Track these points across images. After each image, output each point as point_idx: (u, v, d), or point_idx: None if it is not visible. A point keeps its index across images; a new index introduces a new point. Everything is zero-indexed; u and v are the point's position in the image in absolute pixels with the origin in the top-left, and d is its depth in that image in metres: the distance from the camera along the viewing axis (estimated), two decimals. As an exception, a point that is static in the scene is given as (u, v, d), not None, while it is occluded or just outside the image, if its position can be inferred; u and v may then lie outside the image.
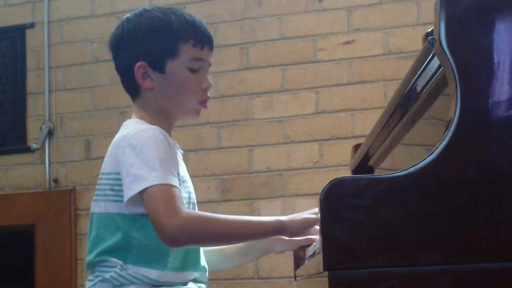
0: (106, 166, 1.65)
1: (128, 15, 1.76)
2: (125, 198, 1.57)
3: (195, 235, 1.52)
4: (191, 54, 1.70)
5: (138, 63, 1.69)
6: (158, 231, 1.52)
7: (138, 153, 1.57)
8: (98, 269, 1.64)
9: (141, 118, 1.71)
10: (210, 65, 1.77)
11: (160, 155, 1.57)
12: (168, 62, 1.69)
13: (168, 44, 1.69)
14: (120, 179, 1.60)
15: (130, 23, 1.73)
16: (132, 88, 1.74)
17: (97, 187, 1.68)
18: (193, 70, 1.71)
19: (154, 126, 1.64)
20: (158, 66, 1.70)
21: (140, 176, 1.55)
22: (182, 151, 1.80)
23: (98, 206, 1.66)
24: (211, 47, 1.75)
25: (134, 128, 1.64)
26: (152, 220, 1.53)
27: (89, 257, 1.65)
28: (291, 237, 1.47)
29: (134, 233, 1.61)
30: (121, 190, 1.58)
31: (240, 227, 1.58)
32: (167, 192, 1.54)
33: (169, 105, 1.72)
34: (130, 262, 1.61)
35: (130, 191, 1.56)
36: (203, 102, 1.73)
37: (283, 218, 1.61)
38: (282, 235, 1.67)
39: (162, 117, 1.72)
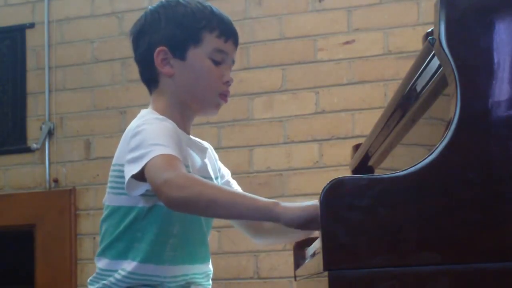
0: (114, 157, 1.63)
1: (151, 6, 1.73)
2: (127, 177, 1.51)
3: (191, 194, 1.41)
4: (215, 44, 1.66)
5: (159, 48, 1.65)
6: (158, 189, 1.44)
7: (141, 139, 1.53)
8: (100, 272, 1.64)
9: (155, 109, 1.67)
10: (233, 62, 1.72)
11: (164, 138, 1.52)
12: (190, 49, 1.66)
13: (192, 31, 1.65)
14: (122, 171, 1.56)
15: (154, 11, 1.70)
16: (151, 77, 1.69)
17: (108, 178, 1.66)
18: (215, 62, 1.66)
19: (162, 117, 1.61)
20: (179, 52, 1.66)
21: (142, 155, 1.49)
22: (208, 148, 1.76)
23: (107, 197, 1.65)
24: (235, 42, 1.71)
25: (141, 117, 1.62)
26: (153, 183, 1.46)
27: (99, 249, 1.65)
28: (288, 226, 1.39)
29: (136, 226, 1.60)
30: (123, 182, 1.54)
31: (233, 198, 1.43)
32: (169, 157, 1.47)
33: (187, 95, 1.67)
34: (130, 258, 1.60)
35: (133, 170, 1.50)
36: (223, 96, 1.68)
37: (281, 206, 1.40)
38: (276, 222, 1.44)
39: (177, 109, 1.67)
